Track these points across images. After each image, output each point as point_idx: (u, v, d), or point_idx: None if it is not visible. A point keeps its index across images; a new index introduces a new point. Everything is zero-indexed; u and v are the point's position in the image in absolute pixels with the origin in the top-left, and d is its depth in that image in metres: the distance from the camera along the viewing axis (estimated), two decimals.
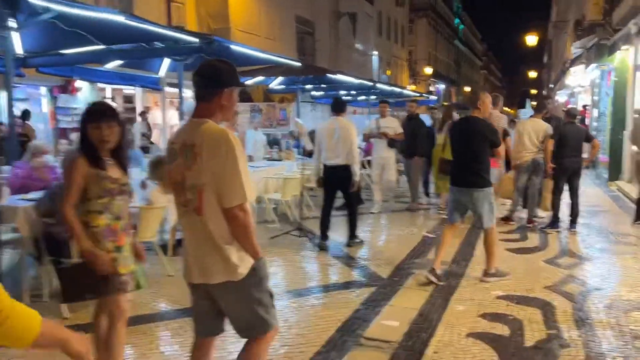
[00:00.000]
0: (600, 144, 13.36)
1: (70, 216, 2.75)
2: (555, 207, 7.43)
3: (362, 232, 7.31)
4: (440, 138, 8.83)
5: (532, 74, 62.25)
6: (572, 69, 18.53)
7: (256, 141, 10.77)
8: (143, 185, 5.04)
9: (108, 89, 14.67)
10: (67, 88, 12.38)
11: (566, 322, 4.09)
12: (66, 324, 3.84)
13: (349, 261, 5.89)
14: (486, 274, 5.20)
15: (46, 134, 12.35)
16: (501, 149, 5.25)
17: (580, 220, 7.47)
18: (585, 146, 7.64)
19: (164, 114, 9.06)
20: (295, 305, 4.54)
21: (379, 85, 15.52)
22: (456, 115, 8.86)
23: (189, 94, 18.20)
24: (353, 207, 6.64)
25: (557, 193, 7.39)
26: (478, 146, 5.06)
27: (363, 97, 19.35)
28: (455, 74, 61.66)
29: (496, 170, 8.05)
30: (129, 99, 16.52)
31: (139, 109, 16.92)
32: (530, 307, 4.43)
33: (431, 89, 46.63)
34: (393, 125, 8.56)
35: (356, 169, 6.29)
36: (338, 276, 5.33)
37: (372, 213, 8.57)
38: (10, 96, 6.07)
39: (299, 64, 9.68)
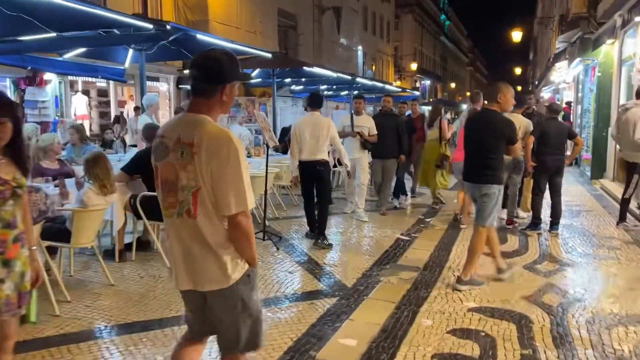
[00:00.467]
0: (584, 141, 13.10)
1: None
2: (536, 207, 7.04)
3: (332, 234, 6.89)
4: (432, 133, 8.86)
5: (518, 71, 62.20)
6: (556, 65, 18.25)
7: (241, 136, 10.26)
8: (78, 184, 4.53)
9: (79, 82, 14.13)
10: (34, 80, 11.76)
11: (543, 340, 3.68)
12: None
13: (312, 268, 5.43)
14: (459, 280, 4.80)
15: None
16: (517, 148, 4.92)
17: (562, 221, 7.09)
18: (568, 144, 7.28)
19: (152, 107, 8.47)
20: None
21: (359, 80, 15.08)
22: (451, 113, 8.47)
23: (164, 87, 17.75)
24: (325, 205, 6.51)
25: (538, 193, 7.00)
26: (492, 141, 4.73)
27: (345, 92, 18.96)
28: (441, 70, 61.49)
29: (457, 164, 7.68)
30: (103, 93, 15.93)
31: (113, 102, 16.38)
32: (505, 321, 4.02)
33: (417, 84, 46.44)
34: (368, 124, 7.75)
35: (346, 161, 6.91)
36: (298, 286, 4.87)
37: (345, 212, 8.15)
38: None
39: (269, 55, 9.19)
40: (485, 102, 5.44)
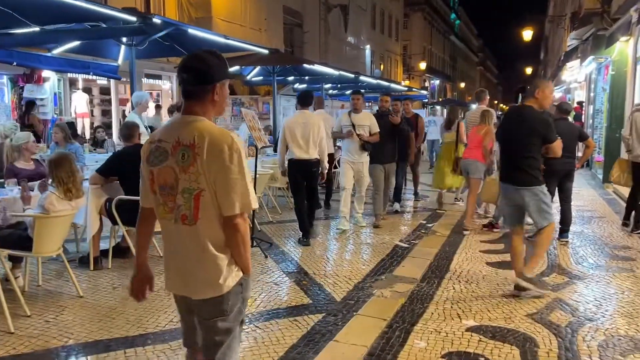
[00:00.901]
0: (596, 143, 12.60)
1: None
2: None
3: (326, 240, 6.51)
4: (449, 136, 8.69)
5: (529, 70, 61.37)
6: (568, 64, 17.68)
7: (250, 135, 9.81)
8: (42, 187, 4.17)
9: (80, 79, 13.86)
10: (32, 77, 11.50)
11: None
12: None
13: (301, 278, 5.04)
14: (521, 275, 4.53)
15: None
16: (556, 147, 4.55)
17: (572, 228, 6.66)
18: (579, 146, 6.85)
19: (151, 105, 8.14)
20: None
21: (363, 78, 14.66)
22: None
23: (166, 85, 17.44)
24: (315, 205, 6.71)
25: None
26: (528, 140, 4.43)
27: (350, 91, 18.57)
28: (451, 69, 60.82)
29: (482, 165, 7.27)
30: (105, 90, 15.66)
31: (114, 100, 16.09)
32: (507, 343, 3.61)
33: (426, 84, 45.94)
34: (367, 122, 6.91)
35: (325, 163, 6.55)
36: (283, 299, 4.48)
37: (338, 229, 7.00)
38: None
39: (265, 51, 8.80)
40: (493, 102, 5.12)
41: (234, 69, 13.31)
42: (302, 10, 24.97)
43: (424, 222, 7.75)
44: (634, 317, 4.10)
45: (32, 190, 4.41)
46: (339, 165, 9.28)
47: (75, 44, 8.31)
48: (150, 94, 17.40)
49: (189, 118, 2.07)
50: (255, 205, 2.07)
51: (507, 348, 3.54)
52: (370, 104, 20.93)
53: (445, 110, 40.64)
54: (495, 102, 74.09)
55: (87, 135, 13.07)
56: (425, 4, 47.52)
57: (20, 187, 4.40)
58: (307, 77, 14.28)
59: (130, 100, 7.89)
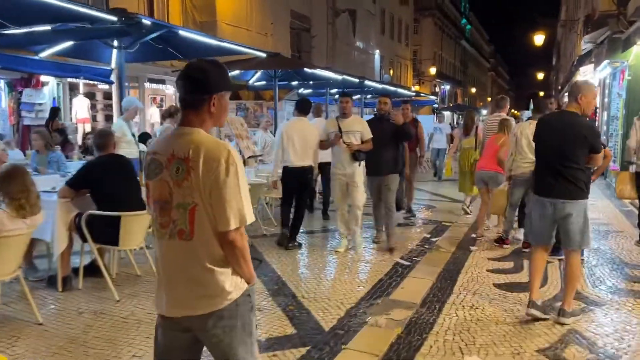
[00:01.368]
0: (611, 150, 12.03)
1: None
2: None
3: (319, 255, 6.06)
4: (468, 142, 8.38)
5: (540, 76, 60.60)
6: (581, 69, 17.11)
7: (266, 142, 9.39)
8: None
9: (80, 84, 13.58)
10: (30, 81, 11.23)
11: None
12: None
13: (288, 302, 4.58)
14: (564, 312, 4.12)
15: (4, 131, 11.26)
16: (600, 157, 4.17)
17: None
18: None
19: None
20: None
21: (368, 83, 14.20)
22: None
23: (170, 90, 17.08)
24: (303, 210, 6.57)
25: None
26: (574, 148, 4.04)
27: (358, 97, 18.14)
28: (462, 74, 60.23)
29: (502, 176, 6.81)
30: (108, 95, 15.35)
31: (116, 105, 15.77)
32: None
33: (436, 89, 45.46)
34: (358, 127, 6.07)
35: (314, 171, 6.44)
36: (265, 328, 4.01)
37: (337, 252, 6.26)
38: None
39: (263, 54, 8.39)
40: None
41: (233, 73, 12.95)
42: (309, 14, 24.69)
43: (428, 235, 7.26)
44: None
45: None
46: None
47: (63, 46, 7.95)
48: (154, 99, 17.14)
49: (185, 130, 2.00)
50: (251, 219, 1.98)
51: None
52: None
53: (456, 117, 40.19)
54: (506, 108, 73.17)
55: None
56: (436, 9, 47.13)
57: None
58: (311, 82, 13.89)
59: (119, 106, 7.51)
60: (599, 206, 9.57)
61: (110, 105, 15.44)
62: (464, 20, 60.30)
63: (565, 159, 4.05)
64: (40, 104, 11.58)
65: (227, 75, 2.09)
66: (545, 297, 4.70)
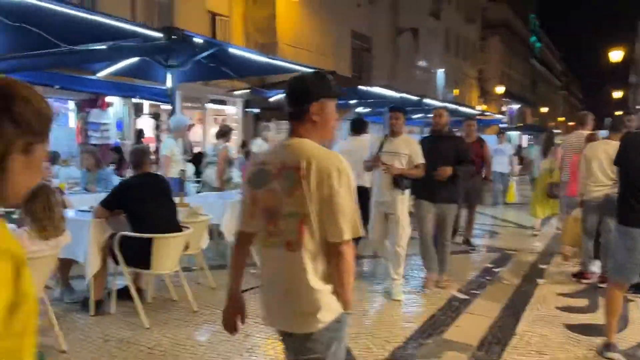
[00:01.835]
0: None
1: None
2: None
3: (365, 285, 5.59)
4: (546, 163, 8.16)
5: (617, 94, 57.30)
6: None
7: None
8: (18, 223, 3.59)
9: (146, 104, 13.92)
10: (96, 102, 11.65)
11: None
12: None
13: None
14: (610, 346, 3.79)
15: (71, 149, 11.70)
16: None
17: None
18: None
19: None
20: None
21: (427, 101, 13.69)
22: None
23: (232, 110, 17.26)
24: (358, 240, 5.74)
25: None
26: None
27: (420, 115, 17.62)
28: (531, 93, 58.02)
29: (572, 199, 6.17)
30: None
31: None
32: None
33: (503, 108, 44.01)
34: (406, 150, 5.03)
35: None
36: None
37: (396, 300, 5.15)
38: None
39: (310, 70, 8.14)
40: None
41: (280, 93, 12.88)
42: (370, 34, 24.56)
43: (490, 265, 6.65)
44: None
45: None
46: None
47: (120, 66, 8.07)
48: (215, 119, 17.38)
49: (294, 140, 2.01)
50: (362, 231, 1.95)
51: None
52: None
53: (526, 138, 38.49)
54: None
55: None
56: (503, 27, 45.84)
57: None
58: (370, 100, 13.57)
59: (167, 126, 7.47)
60: None
61: None
62: (533, 38, 58.35)
63: None
64: (105, 124, 11.97)
65: (328, 84, 2.05)
66: (625, 345, 4.04)
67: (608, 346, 3.78)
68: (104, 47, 5.96)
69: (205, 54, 7.17)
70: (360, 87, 10.55)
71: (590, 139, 6.27)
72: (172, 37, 5.50)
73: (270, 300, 2.06)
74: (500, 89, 42.94)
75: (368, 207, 5.27)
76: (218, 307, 4.81)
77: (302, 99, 2.01)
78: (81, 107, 11.79)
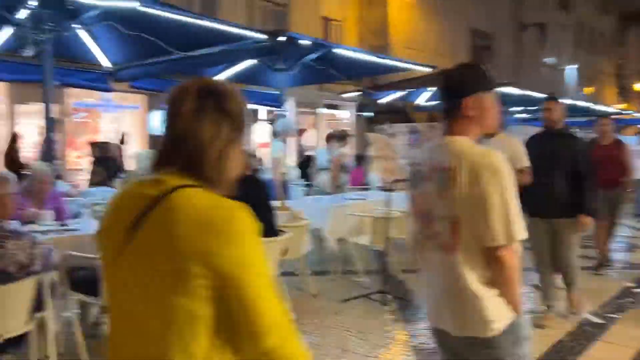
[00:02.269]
0: None
1: None
2: None
3: None
4: None
5: None
6: None
7: None
8: None
9: (262, 110, 14.29)
10: None
11: None
12: None
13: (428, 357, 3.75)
14: None
15: None
16: None
17: None
18: None
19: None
20: None
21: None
22: None
23: (345, 114, 17.27)
24: None
25: None
26: None
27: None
28: None
29: None
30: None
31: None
32: None
33: None
34: (507, 152, 3.36)
35: None
36: None
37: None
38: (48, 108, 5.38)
39: (427, 69, 7.69)
40: None
41: (398, 94, 12.44)
42: (492, 31, 23.39)
43: (631, 285, 5.73)
44: None
45: None
46: None
47: (232, 72, 8.24)
48: (329, 123, 17.45)
49: (446, 139, 1.93)
50: (523, 234, 1.80)
51: None
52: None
53: None
54: None
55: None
56: None
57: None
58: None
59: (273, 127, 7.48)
60: None
61: None
62: None
63: None
64: None
65: (483, 75, 1.95)
66: None
67: None
68: (212, 51, 6.06)
69: (313, 56, 7.09)
70: None
71: None
72: (278, 38, 5.41)
73: (431, 301, 2.04)
74: None
75: None
76: (316, 317, 4.63)
77: (454, 94, 1.93)
78: None
